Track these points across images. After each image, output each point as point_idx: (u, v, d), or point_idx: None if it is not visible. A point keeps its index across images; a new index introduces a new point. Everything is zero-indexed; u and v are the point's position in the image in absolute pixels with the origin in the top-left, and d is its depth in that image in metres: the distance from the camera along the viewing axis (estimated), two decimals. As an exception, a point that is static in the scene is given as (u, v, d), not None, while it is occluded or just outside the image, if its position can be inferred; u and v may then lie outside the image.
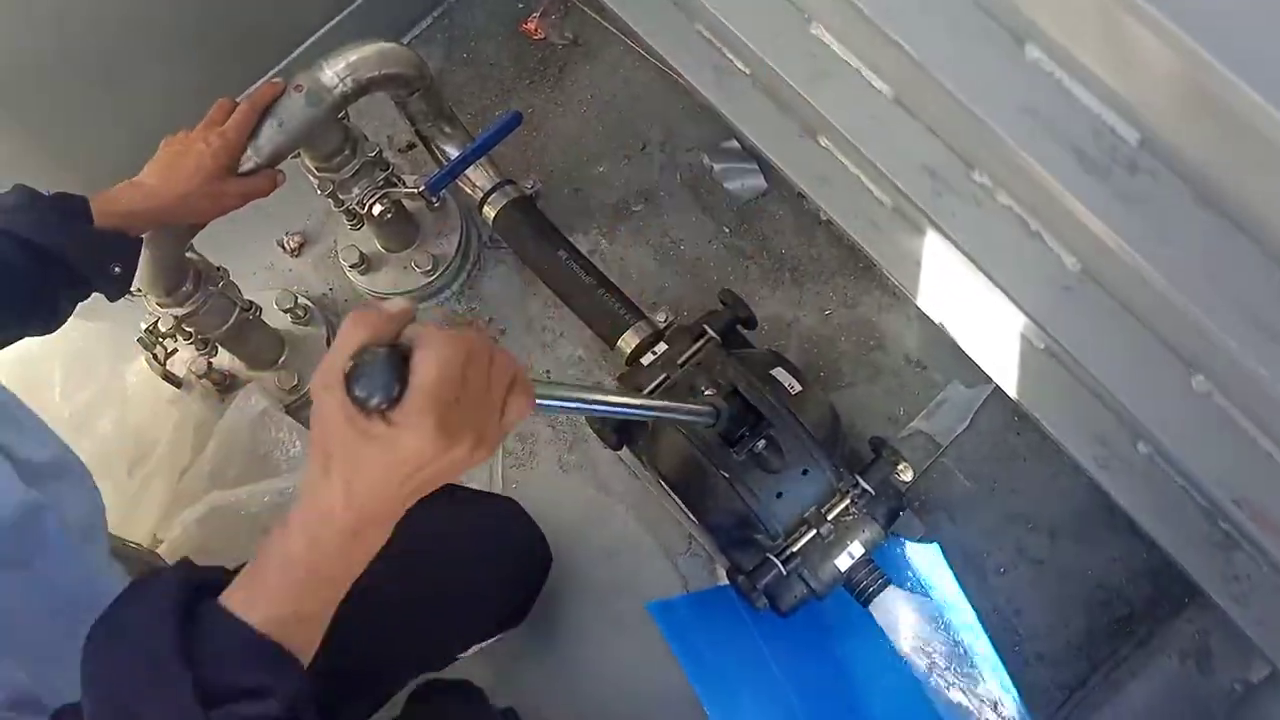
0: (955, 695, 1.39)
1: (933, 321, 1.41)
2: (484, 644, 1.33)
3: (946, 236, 1.14)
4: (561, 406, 0.79)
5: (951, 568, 1.43)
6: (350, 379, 0.56)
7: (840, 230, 1.59)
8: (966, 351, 1.36)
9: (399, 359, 0.56)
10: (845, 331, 1.58)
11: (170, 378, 1.48)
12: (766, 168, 1.66)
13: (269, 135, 1.18)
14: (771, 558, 1.24)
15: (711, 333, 1.35)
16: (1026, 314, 1.10)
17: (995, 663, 1.39)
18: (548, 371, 1.61)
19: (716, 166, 1.67)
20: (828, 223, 1.61)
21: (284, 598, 0.60)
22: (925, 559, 1.45)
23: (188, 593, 0.60)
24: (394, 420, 0.56)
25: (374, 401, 0.56)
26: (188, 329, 1.41)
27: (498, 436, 0.61)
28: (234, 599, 0.60)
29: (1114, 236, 0.83)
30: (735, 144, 1.69)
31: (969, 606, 1.42)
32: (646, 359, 1.37)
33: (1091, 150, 0.84)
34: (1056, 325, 1.09)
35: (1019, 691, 1.37)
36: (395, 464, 0.57)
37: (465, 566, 1.17)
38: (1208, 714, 1.28)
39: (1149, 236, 0.82)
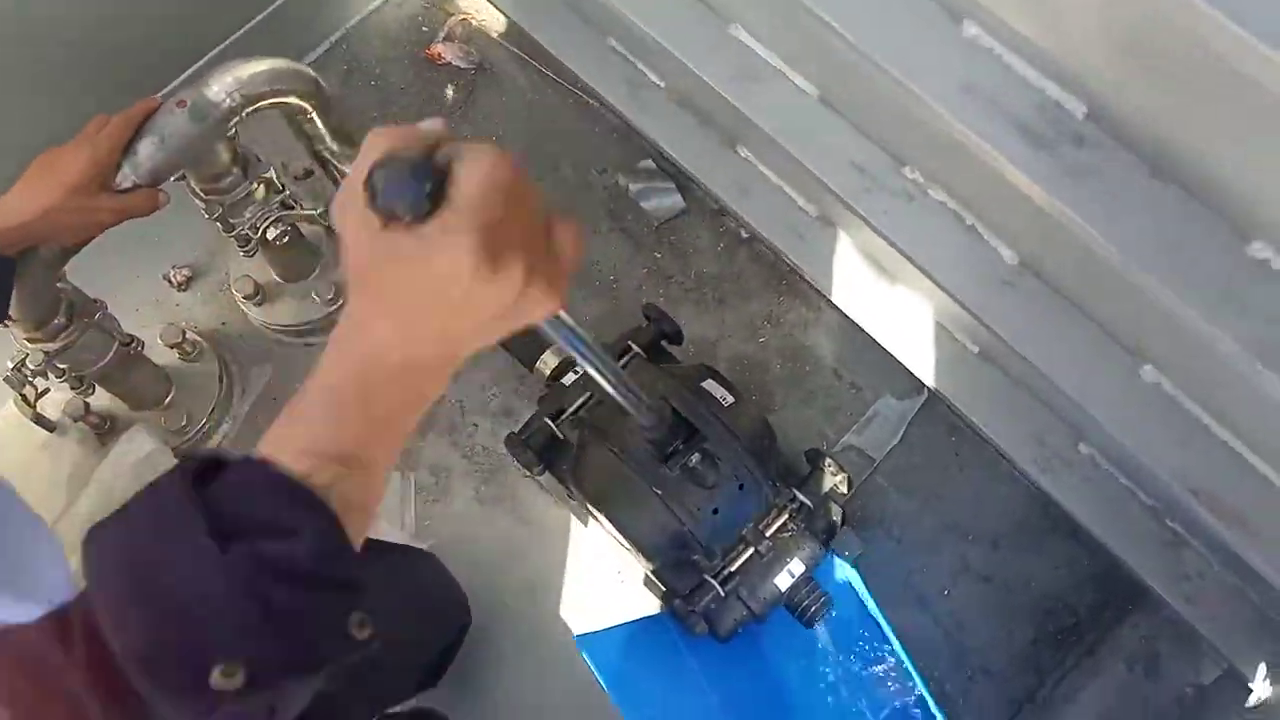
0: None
1: (860, 335, 1.38)
2: (400, 708, 1.23)
3: (879, 234, 1.11)
4: (570, 329, 0.71)
5: (871, 593, 1.38)
6: (371, 186, 0.48)
7: (761, 248, 1.56)
8: (899, 359, 1.33)
9: (429, 167, 0.48)
10: (771, 349, 1.54)
11: (42, 420, 1.35)
12: (684, 187, 1.62)
13: (149, 152, 1.08)
14: (709, 579, 1.17)
15: (636, 348, 1.28)
16: (966, 310, 1.07)
17: (920, 686, 1.35)
18: (460, 401, 1.52)
19: (632, 186, 1.62)
20: (749, 240, 1.57)
21: (322, 433, 0.51)
22: (851, 579, 1.39)
23: (206, 458, 0.50)
24: (424, 234, 0.48)
25: (399, 211, 0.48)
26: (60, 366, 1.27)
27: (556, 275, 0.52)
28: (266, 440, 0.51)
29: (1065, 212, 0.80)
30: (651, 164, 1.64)
31: (888, 630, 1.37)
32: (568, 379, 1.30)
33: (1036, 125, 0.82)
34: (996, 321, 1.05)
35: (943, 714, 1.33)
36: (435, 291, 0.49)
37: (381, 627, 1.08)
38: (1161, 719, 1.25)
39: (1100, 211, 0.79)
